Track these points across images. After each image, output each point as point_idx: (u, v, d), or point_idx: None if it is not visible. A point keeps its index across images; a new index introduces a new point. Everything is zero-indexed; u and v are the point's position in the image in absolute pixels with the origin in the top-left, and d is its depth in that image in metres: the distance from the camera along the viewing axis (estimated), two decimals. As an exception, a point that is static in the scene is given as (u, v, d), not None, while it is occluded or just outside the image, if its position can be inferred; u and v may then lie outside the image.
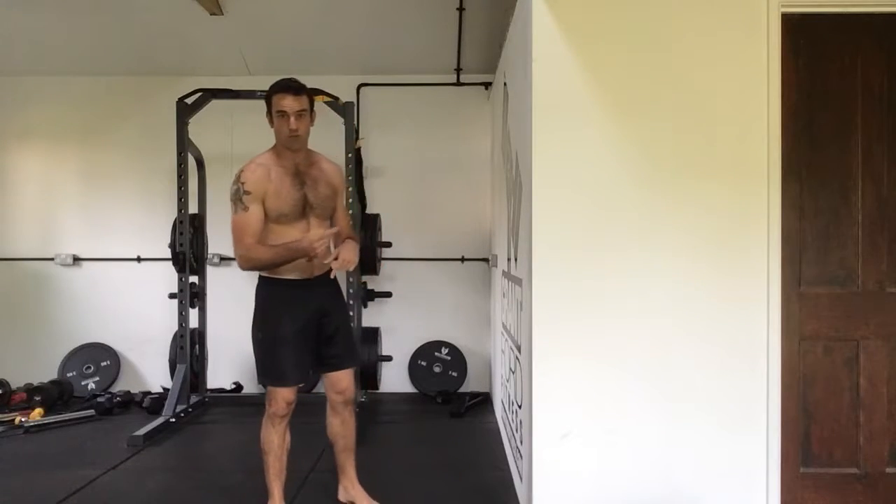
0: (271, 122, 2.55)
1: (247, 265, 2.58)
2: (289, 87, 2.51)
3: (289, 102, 2.49)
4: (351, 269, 2.53)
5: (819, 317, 2.62)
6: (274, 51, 4.81)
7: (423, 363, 4.99)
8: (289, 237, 2.52)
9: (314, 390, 4.96)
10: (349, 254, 2.53)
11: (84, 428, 4.17)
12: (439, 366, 4.99)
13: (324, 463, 3.48)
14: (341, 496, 2.90)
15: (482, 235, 4.99)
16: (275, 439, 2.65)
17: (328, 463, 3.41)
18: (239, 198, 2.50)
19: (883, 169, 2.61)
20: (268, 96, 2.55)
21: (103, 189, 5.09)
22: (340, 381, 2.74)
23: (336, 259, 2.51)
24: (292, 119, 2.49)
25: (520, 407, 3.00)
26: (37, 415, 4.20)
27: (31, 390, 4.54)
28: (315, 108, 2.62)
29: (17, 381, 4.64)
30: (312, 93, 3.71)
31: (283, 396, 2.60)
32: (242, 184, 2.50)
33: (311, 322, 2.63)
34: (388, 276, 4.92)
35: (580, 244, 2.55)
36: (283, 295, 2.61)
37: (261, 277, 2.65)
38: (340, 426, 2.80)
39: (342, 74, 4.89)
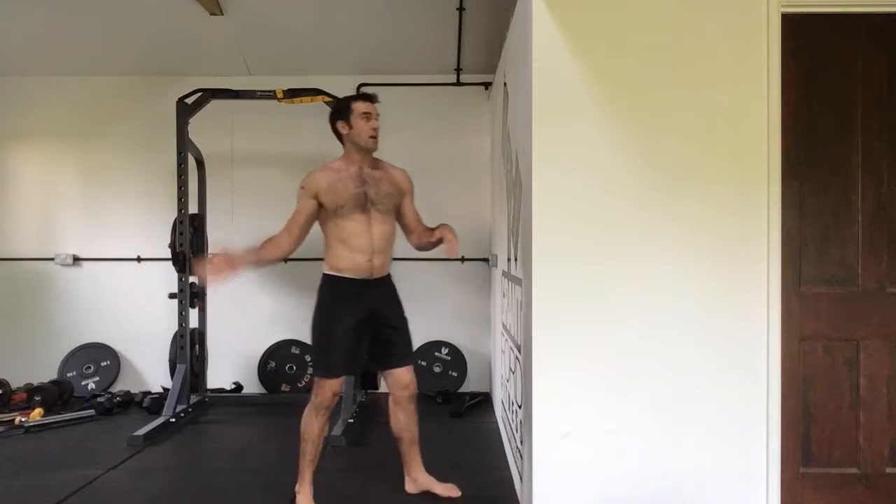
0: (344, 126, 2.84)
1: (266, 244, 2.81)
2: (367, 95, 2.91)
3: (371, 106, 2.86)
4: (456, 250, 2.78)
5: (819, 317, 2.62)
6: (274, 51, 4.82)
7: (423, 363, 4.99)
8: (351, 230, 2.75)
9: (314, 390, 4.98)
10: (451, 231, 2.81)
11: (84, 428, 4.17)
12: (439, 366, 4.99)
13: (323, 463, 3.47)
14: (409, 488, 3.03)
15: (482, 235, 4.99)
16: (315, 429, 2.81)
17: (328, 463, 3.42)
18: (298, 194, 2.81)
19: (883, 169, 2.61)
20: (346, 104, 2.86)
21: (103, 189, 5.09)
22: (404, 377, 2.90)
23: (443, 240, 2.80)
24: (374, 120, 2.83)
25: (520, 407, 3.00)
26: (37, 415, 4.20)
27: (31, 390, 4.54)
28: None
29: (17, 381, 4.64)
30: (313, 93, 3.85)
31: (331, 388, 2.76)
32: (302, 182, 2.82)
33: (366, 321, 2.79)
34: (388, 276, 4.92)
35: (580, 244, 2.55)
36: (342, 292, 2.78)
37: (324, 275, 2.82)
38: (406, 420, 2.95)
39: (342, 74, 4.90)
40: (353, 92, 4.89)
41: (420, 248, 2.97)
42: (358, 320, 2.76)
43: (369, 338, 2.83)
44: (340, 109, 2.87)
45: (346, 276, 2.77)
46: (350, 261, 2.75)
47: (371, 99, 2.88)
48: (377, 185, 2.81)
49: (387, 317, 2.84)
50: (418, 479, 3.02)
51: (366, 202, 2.76)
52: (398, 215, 2.92)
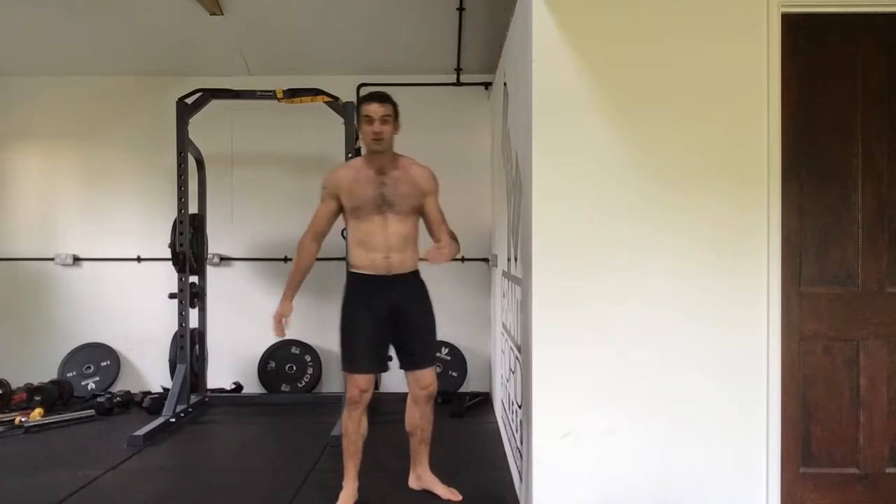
0: (360, 129, 2.85)
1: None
2: (375, 95, 2.83)
3: (374, 108, 2.78)
4: (440, 262, 2.74)
5: (819, 317, 2.61)
6: (274, 51, 4.82)
7: (423, 363, 4.99)
8: (367, 231, 2.81)
9: (314, 390, 4.97)
10: (434, 253, 2.75)
11: (84, 428, 4.17)
12: (439, 366, 4.95)
13: (323, 463, 3.48)
14: (412, 484, 3.07)
15: (482, 235, 4.99)
16: (350, 425, 2.87)
17: (328, 463, 3.43)
18: (321, 192, 2.90)
19: (883, 169, 2.61)
20: (357, 107, 2.88)
21: (103, 189, 5.09)
22: (424, 378, 2.91)
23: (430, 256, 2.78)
24: (376, 123, 2.77)
25: (520, 407, 3.00)
26: (37, 415, 4.20)
27: (31, 390, 4.54)
28: (399, 119, 2.87)
29: (17, 381, 4.64)
30: (313, 93, 3.82)
31: (356, 383, 2.82)
32: (324, 180, 2.90)
33: (385, 317, 2.82)
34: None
35: (580, 244, 2.55)
36: (360, 288, 2.86)
37: (347, 272, 2.93)
38: (420, 419, 2.97)
39: (342, 74, 4.89)
40: (353, 92, 4.92)
41: None
42: (378, 316, 2.80)
43: (393, 336, 2.87)
44: (357, 112, 2.90)
45: (365, 272, 2.82)
46: (367, 258, 2.81)
47: (376, 99, 2.81)
48: (395, 187, 2.82)
49: (407, 314, 2.86)
50: (422, 476, 3.04)
51: (382, 204, 2.79)
52: (423, 214, 2.94)
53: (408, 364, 2.92)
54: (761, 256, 2.55)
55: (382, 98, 2.82)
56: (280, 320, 2.89)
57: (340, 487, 2.92)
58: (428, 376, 2.92)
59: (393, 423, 4.31)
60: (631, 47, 2.56)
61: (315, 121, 4.73)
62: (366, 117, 2.78)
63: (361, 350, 2.83)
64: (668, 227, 2.55)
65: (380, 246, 2.80)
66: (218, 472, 3.44)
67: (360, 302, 2.83)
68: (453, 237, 2.92)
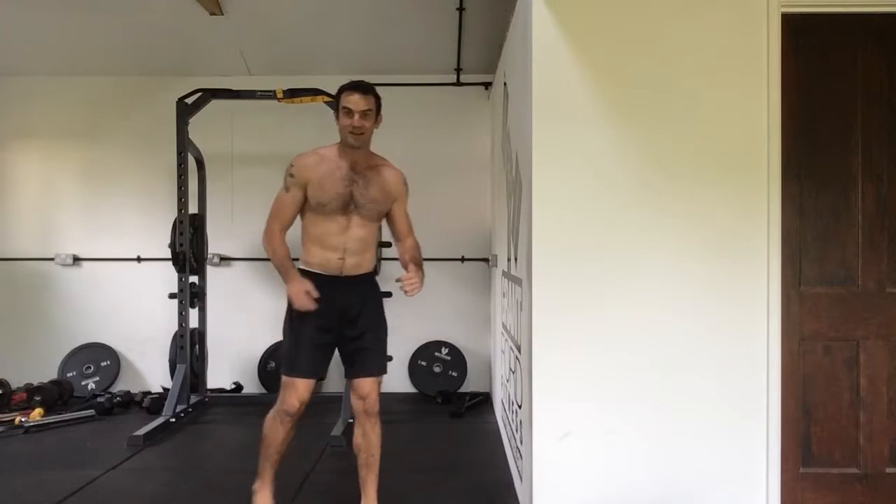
0: (336, 118, 2.59)
1: (264, 246, 2.65)
2: (357, 86, 2.56)
3: (355, 99, 2.52)
4: (415, 293, 2.58)
5: (819, 317, 2.62)
6: (274, 51, 4.81)
7: (423, 363, 4.99)
8: (326, 229, 2.57)
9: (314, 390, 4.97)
10: (410, 287, 2.56)
11: (84, 428, 4.17)
12: (439, 366, 4.99)
13: (323, 464, 3.48)
14: None
15: (482, 235, 4.99)
16: (280, 435, 2.62)
17: (328, 464, 3.42)
18: (286, 178, 2.61)
19: (883, 169, 2.61)
20: (337, 94, 2.60)
21: (103, 189, 5.09)
22: (361, 387, 2.62)
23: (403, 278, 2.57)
24: (356, 116, 2.51)
25: (520, 407, 3.00)
26: (37, 415, 4.20)
27: (31, 390, 4.54)
28: (381, 112, 2.63)
29: (17, 381, 4.64)
30: (313, 93, 3.68)
31: (297, 393, 2.56)
32: (291, 166, 2.60)
33: (334, 320, 2.59)
34: (388, 276, 4.91)
35: (580, 244, 2.55)
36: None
37: (298, 269, 2.63)
38: (361, 438, 2.66)
39: (342, 74, 4.85)
40: (352, 92, 4.91)
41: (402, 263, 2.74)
42: (326, 318, 2.56)
43: (338, 341, 2.63)
44: (336, 98, 2.63)
45: (314, 271, 2.59)
46: (321, 257, 2.58)
47: (358, 89, 2.53)
48: (366, 188, 2.58)
49: (356, 318, 2.61)
50: None
51: (349, 203, 2.55)
52: (389, 220, 2.71)
53: (349, 371, 2.65)
54: (761, 256, 2.55)
55: (365, 89, 2.54)
56: (304, 293, 2.51)
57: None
58: (366, 386, 2.61)
59: (393, 424, 4.32)
60: (631, 47, 2.56)
61: (315, 121, 4.73)
62: (345, 109, 2.52)
63: (302, 353, 2.57)
64: (668, 227, 2.55)
65: (337, 246, 2.57)
66: (218, 472, 3.44)
67: None
68: (418, 250, 2.72)
